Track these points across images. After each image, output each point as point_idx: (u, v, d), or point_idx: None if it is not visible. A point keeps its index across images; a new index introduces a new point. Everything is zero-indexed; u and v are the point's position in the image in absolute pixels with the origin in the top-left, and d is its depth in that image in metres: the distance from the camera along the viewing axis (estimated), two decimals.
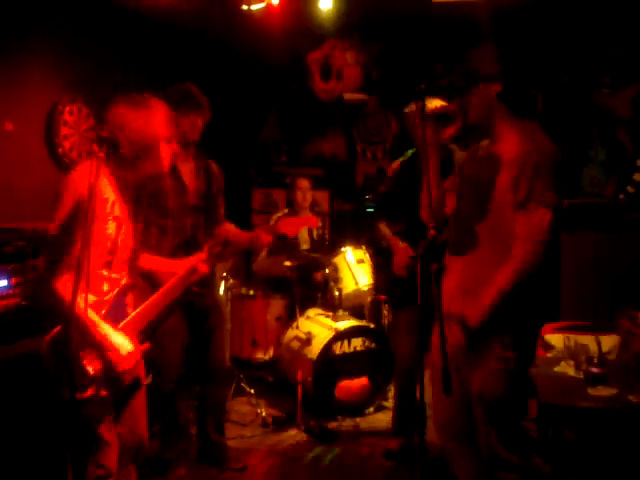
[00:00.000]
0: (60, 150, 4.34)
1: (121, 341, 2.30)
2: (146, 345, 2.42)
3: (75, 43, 4.45)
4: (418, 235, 2.68)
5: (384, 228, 3.59)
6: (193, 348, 3.33)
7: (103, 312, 2.32)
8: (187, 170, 3.25)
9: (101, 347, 2.25)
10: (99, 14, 4.57)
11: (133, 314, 2.42)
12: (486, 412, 2.28)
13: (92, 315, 2.22)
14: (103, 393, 2.26)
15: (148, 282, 2.67)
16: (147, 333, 2.47)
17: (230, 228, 3.32)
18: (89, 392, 2.21)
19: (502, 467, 2.25)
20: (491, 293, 2.20)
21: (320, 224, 5.07)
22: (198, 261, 2.69)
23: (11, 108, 4.05)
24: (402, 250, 3.38)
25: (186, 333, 3.26)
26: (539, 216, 2.17)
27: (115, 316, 2.35)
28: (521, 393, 2.36)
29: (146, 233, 2.95)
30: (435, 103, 2.60)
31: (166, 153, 2.39)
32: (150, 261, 2.68)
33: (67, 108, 4.38)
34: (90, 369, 2.23)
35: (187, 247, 2.98)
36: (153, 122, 2.30)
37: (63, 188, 2.23)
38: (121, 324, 2.37)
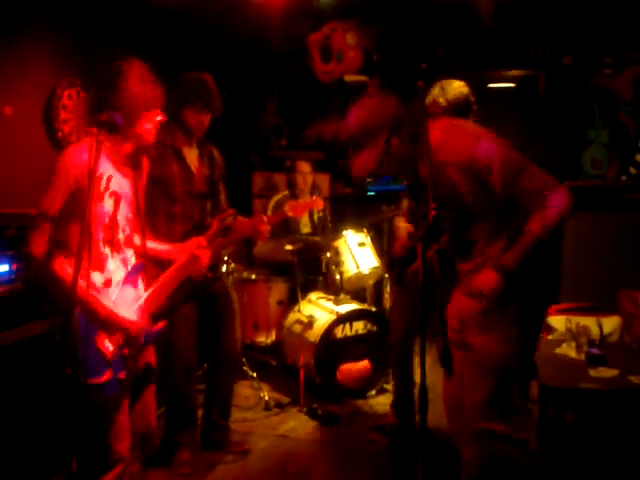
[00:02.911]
0: (59, 134, 4.31)
1: (125, 314, 2.33)
2: (161, 324, 2.42)
3: (74, 27, 4.41)
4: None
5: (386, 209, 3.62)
6: (204, 332, 3.33)
7: (114, 293, 2.33)
8: (193, 157, 3.24)
9: (108, 322, 2.27)
10: None
11: (144, 296, 2.43)
12: (494, 377, 2.31)
13: (92, 293, 2.24)
14: (121, 376, 2.27)
15: (158, 265, 2.67)
16: (160, 315, 2.49)
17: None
18: (106, 376, 2.23)
19: (495, 438, 2.28)
20: (525, 240, 2.20)
21: (323, 206, 5.06)
22: (197, 247, 2.68)
23: (10, 92, 4.01)
24: (402, 230, 3.40)
25: (197, 320, 3.26)
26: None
27: (126, 297, 2.37)
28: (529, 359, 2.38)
29: (155, 220, 2.95)
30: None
31: (146, 122, 2.36)
32: (153, 246, 2.68)
33: (66, 92, 4.35)
34: (108, 351, 2.24)
35: (196, 234, 2.96)
36: (125, 88, 2.29)
37: (56, 170, 2.24)
38: (134, 305, 2.38)
